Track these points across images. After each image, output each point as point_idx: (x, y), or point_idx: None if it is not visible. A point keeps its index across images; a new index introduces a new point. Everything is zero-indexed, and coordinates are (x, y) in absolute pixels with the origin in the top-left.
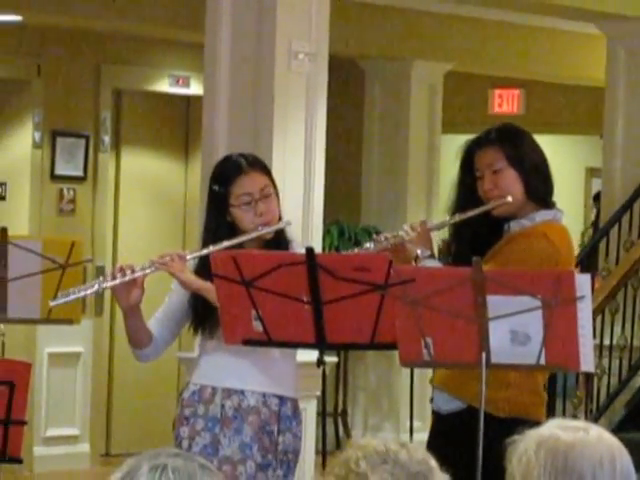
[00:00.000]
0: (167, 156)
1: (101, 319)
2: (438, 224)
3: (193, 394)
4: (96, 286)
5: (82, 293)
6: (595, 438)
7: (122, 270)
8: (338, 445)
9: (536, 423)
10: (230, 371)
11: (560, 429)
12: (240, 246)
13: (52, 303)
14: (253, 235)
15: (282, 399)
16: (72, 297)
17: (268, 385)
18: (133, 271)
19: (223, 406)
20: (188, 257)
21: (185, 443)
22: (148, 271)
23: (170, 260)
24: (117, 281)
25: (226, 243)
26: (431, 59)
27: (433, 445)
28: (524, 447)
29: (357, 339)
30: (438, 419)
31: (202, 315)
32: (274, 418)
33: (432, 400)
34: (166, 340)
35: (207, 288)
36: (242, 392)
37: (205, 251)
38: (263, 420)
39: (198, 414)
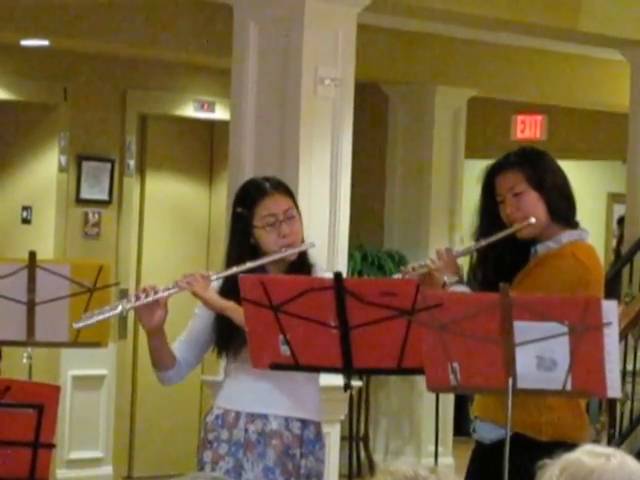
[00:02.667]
0: (191, 180)
1: (125, 342)
2: (463, 250)
3: (217, 418)
4: (120, 307)
5: (106, 315)
6: (616, 465)
7: (145, 291)
8: (359, 469)
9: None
10: (253, 395)
11: (585, 454)
12: (263, 268)
13: (76, 325)
14: (277, 257)
15: (305, 423)
16: (96, 319)
17: (291, 409)
18: (156, 292)
19: (247, 430)
20: (212, 278)
21: (208, 467)
22: (172, 292)
23: (194, 280)
24: (141, 302)
25: (249, 264)
26: (455, 85)
27: (476, 474)
28: (550, 472)
29: (384, 364)
30: (481, 448)
31: (226, 337)
32: (297, 442)
33: (474, 430)
34: (190, 364)
35: (231, 307)
36: (265, 416)
37: (229, 272)
38: (286, 444)
39: (221, 438)
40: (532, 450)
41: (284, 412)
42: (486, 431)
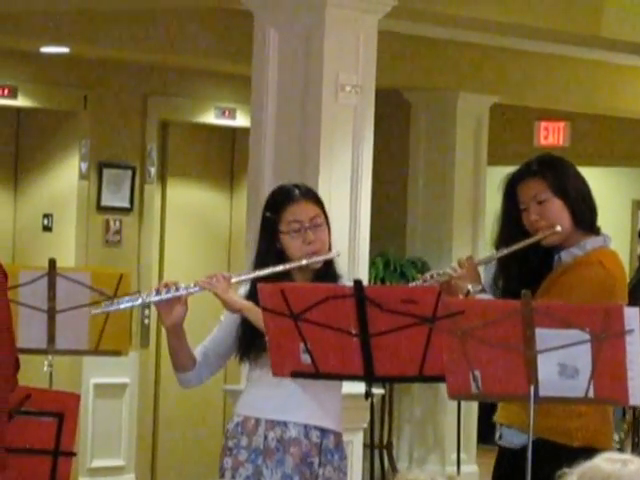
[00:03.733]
0: (212, 187)
1: (147, 351)
2: (485, 258)
3: (237, 425)
4: (140, 300)
5: (125, 305)
6: (633, 470)
7: (167, 286)
8: (383, 478)
9: (606, 452)
10: (273, 402)
11: (603, 460)
12: (288, 275)
13: (92, 312)
14: (300, 263)
15: (324, 431)
16: (114, 307)
17: (310, 417)
18: (177, 288)
19: (266, 437)
20: (233, 280)
21: (228, 474)
22: (192, 290)
23: (215, 280)
24: (161, 297)
25: (271, 269)
26: (477, 91)
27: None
28: (570, 478)
29: (405, 371)
30: (507, 455)
31: (247, 343)
32: (315, 450)
33: (500, 437)
34: (211, 369)
35: (250, 308)
36: (285, 423)
37: (251, 275)
38: (304, 452)
39: (241, 445)
40: (562, 456)
41: (303, 420)
42: (514, 437)
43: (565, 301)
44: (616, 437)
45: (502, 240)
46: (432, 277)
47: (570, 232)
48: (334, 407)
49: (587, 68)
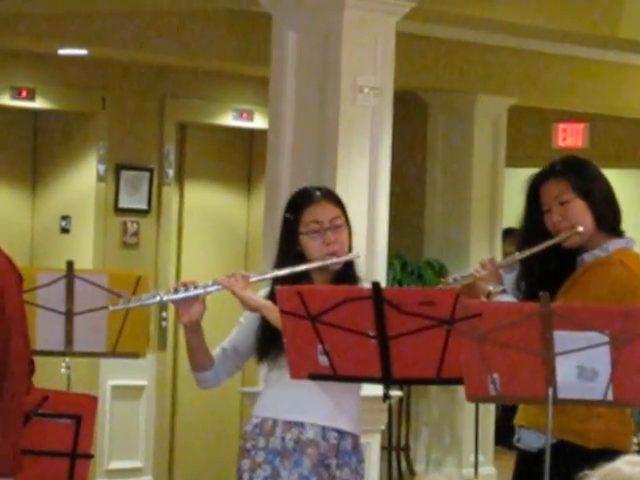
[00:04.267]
0: (230, 189)
1: (164, 353)
2: (507, 260)
3: (255, 427)
4: (157, 297)
5: (143, 302)
6: None
7: (185, 285)
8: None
9: (626, 453)
10: (291, 403)
11: (624, 463)
12: (307, 276)
13: (111, 308)
14: (319, 264)
15: (342, 433)
16: (132, 304)
17: (328, 418)
18: (196, 287)
19: (283, 439)
20: (252, 279)
21: (246, 476)
22: (210, 289)
23: (233, 279)
24: (179, 295)
25: (290, 269)
26: (495, 93)
27: None
28: None
29: (423, 374)
30: (527, 457)
31: (265, 344)
32: (333, 452)
33: (518, 440)
34: (229, 370)
35: (269, 307)
36: (302, 424)
37: (269, 275)
38: (322, 453)
39: (259, 446)
40: (580, 458)
41: (321, 421)
42: (532, 439)
43: (585, 300)
44: (635, 439)
45: (524, 242)
46: (455, 280)
47: (592, 234)
48: (352, 409)
49: (605, 69)
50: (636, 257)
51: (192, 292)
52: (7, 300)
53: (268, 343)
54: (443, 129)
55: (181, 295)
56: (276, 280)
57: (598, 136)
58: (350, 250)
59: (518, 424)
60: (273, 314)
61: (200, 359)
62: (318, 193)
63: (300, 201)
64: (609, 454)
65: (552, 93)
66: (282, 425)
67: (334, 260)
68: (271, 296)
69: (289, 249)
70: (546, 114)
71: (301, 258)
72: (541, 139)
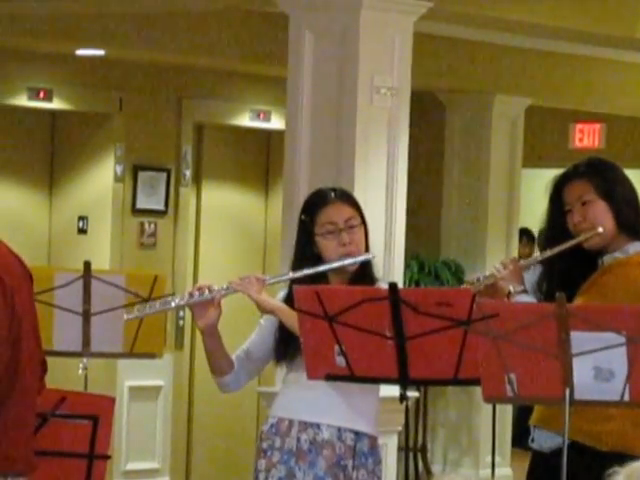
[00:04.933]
0: (248, 190)
1: (182, 353)
2: (529, 261)
3: (271, 427)
4: (173, 303)
5: (158, 309)
6: None
7: (200, 289)
8: None
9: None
10: (307, 404)
11: None
12: (324, 277)
13: (126, 317)
14: (335, 265)
15: (358, 434)
16: (147, 312)
17: (344, 419)
18: (211, 291)
19: (299, 439)
20: (267, 282)
21: (262, 476)
22: (225, 292)
23: (248, 282)
24: (194, 300)
25: (306, 271)
26: (512, 93)
27: None
28: (617, 477)
29: (440, 374)
30: (540, 458)
31: (282, 345)
32: (349, 453)
33: (532, 440)
34: (249, 373)
35: (283, 310)
36: (317, 425)
37: (285, 277)
38: (338, 455)
39: (275, 447)
40: (592, 460)
41: (337, 422)
42: (545, 440)
43: (603, 301)
44: None
45: (546, 242)
46: (479, 280)
47: (613, 235)
48: (369, 410)
49: (622, 70)
50: None
51: (207, 296)
52: (17, 300)
53: (285, 345)
54: (460, 130)
55: (196, 299)
56: (294, 282)
57: (615, 136)
58: (367, 250)
59: (533, 424)
60: (287, 317)
61: (219, 363)
62: (332, 194)
63: (315, 202)
64: (622, 457)
65: (569, 94)
66: (298, 426)
67: (350, 261)
68: (289, 298)
69: (305, 251)
70: (563, 115)
71: (317, 259)
72: (558, 140)
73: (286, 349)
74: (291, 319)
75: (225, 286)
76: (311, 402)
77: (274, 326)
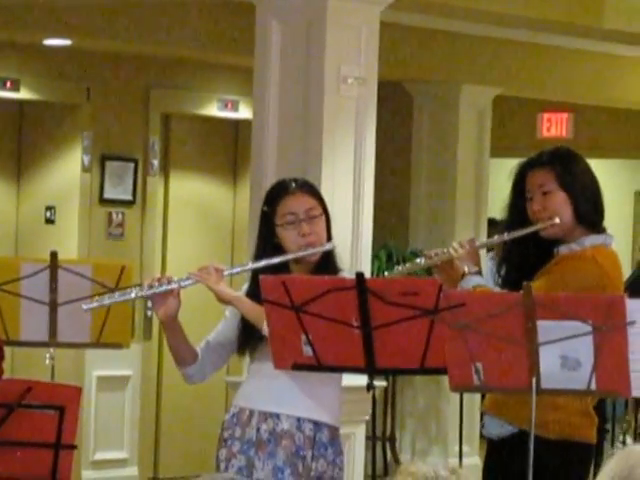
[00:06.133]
0: (215, 180)
1: (150, 343)
2: (486, 242)
3: (232, 417)
4: (132, 294)
5: (117, 299)
6: None
7: (159, 280)
8: (386, 470)
9: (587, 445)
10: (267, 394)
11: None
12: (286, 268)
13: (85, 307)
14: (294, 256)
15: (318, 425)
16: (107, 302)
17: (303, 410)
18: (170, 282)
19: (259, 429)
20: (226, 272)
21: (222, 465)
22: (185, 283)
23: (206, 273)
24: (153, 290)
25: (265, 261)
26: (480, 83)
27: (489, 471)
28: (614, 458)
29: (407, 364)
30: (491, 445)
31: (247, 335)
32: (308, 443)
33: (483, 427)
34: (214, 364)
35: (240, 300)
36: (277, 416)
37: (243, 268)
38: (297, 445)
39: (235, 436)
40: (540, 447)
41: (296, 412)
42: (494, 427)
43: (554, 291)
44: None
45: (506, 227)
46: (436, 255)
47: (571, 227)
48: (330, 401)
49: (590, 59)
50: (610, 255)
51: (166, 287)
52: None
53: (247, 336)
54: (428, 119)
55: (155, 290)
56: (256, 273)
57: (582, 126)
58: (329, 241)
59: (483, 410)
60: (246, 307)
61: (182, 354)
62: (294, 184)
63: (276, 193)
64: (568, 444)
65: (536, 83)
66: (258, 416)
67: (310, 251)
68: (252, 290)
69: (266, 241)
70: (530, 104)
71: (278, 250)
72: (525, 129)
73: (248, 340)
74: (249, 310)
75: (184, 277)
76: (271, 392)
77: (238, 317)
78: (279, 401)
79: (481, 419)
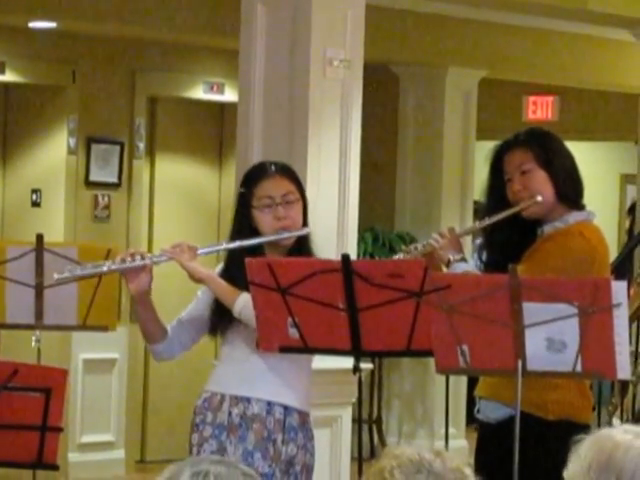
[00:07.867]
0: (201, 162)
1: (136, 326)
2: (467, 229)
3: (204, 401)
4: (105, 267)
5: (88, 272)
6: None
7: (132, 255)
8: (372, 452)
9: (585, 426)
10: (238, 378)
11: (618, 431)
12: (260, 251)
13: (56, 277)
14: (268, 239)
15: (288, 409)
16: (78, 273)
17: (274, 394)
18: (143, 257)
19: (230, 413)
20: (199, 251)
21: (194, 450)
22: (158, 259)
23: (179, 250)
24: (126, 265)
25: (239, 242)
26: (466, 66)
27: (482, 455)
28: (584, 445)
29: (393, 346)
30: (487, 429)
31: (218, 317)
32: (278, 427)
33: (478, 411)
34: (183, 343)
35: (212, 278)
36: (248, 400)
37: (217, 247)
38: (268, 429)
39: (207, 421)
40: (539, 429)
41: (266, 396)
42: (491, 410)
43: (543, 268)
44: (604, 412)
45: (487, 211)
46: (416, 249)
47: (553, 205)
48: (300, 385)
49: (575, 42)
50: (596, 229)
51: (139, 262)
52: None
53: (218, 317)
54: (414, 102)
55: (128, 265)
56: (232, 255)
57: (568, 109)
58: (305, 226)
59: (478, 395)
60: (218, 286)
61: (151, 331)
62: (273, 168)
63: (254, 175)
64: (567, 425)
65: (522, 66)
66: (229, 400)
67: (285, 235)
68: (226, 271)
69: (242, 223)
70: (516, 87)
71: (254, 232)
72: (511, 112)
73: (219, 322)
74: (222, 289)
75: (158, 253)
76: (242, 377)
77: (211, 298)
78: (250, 385)
79: (473, 404)
